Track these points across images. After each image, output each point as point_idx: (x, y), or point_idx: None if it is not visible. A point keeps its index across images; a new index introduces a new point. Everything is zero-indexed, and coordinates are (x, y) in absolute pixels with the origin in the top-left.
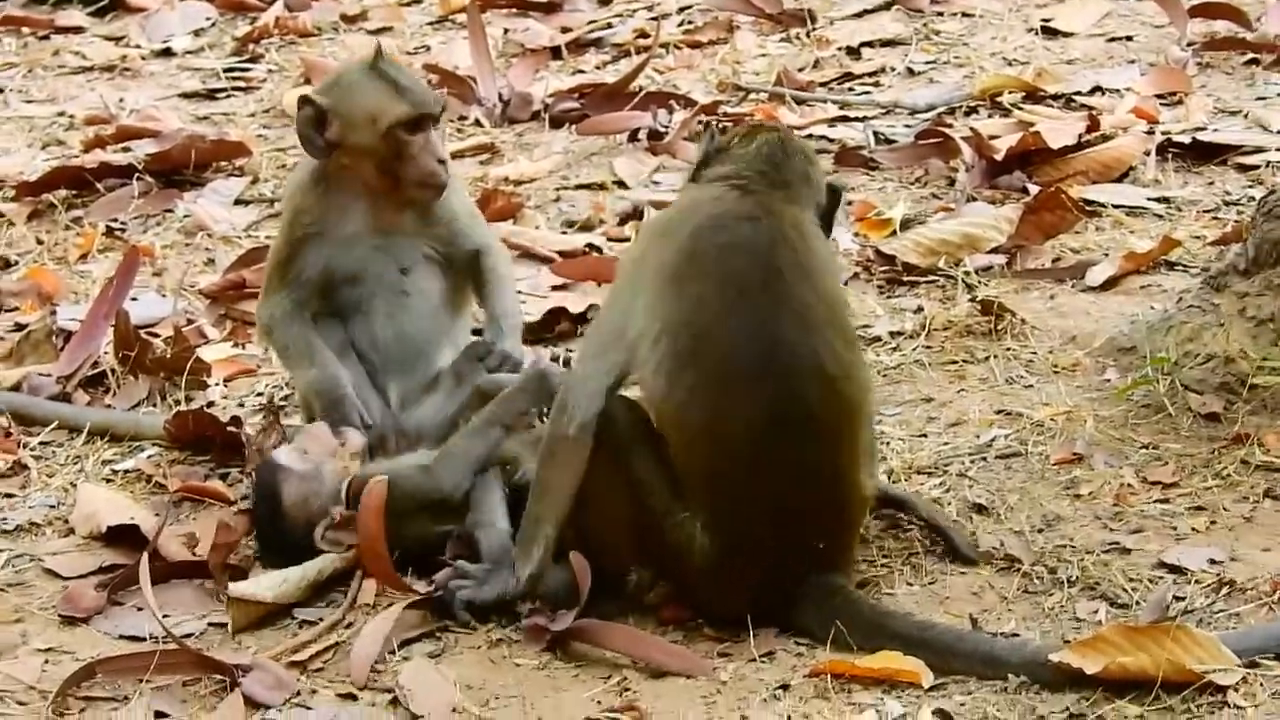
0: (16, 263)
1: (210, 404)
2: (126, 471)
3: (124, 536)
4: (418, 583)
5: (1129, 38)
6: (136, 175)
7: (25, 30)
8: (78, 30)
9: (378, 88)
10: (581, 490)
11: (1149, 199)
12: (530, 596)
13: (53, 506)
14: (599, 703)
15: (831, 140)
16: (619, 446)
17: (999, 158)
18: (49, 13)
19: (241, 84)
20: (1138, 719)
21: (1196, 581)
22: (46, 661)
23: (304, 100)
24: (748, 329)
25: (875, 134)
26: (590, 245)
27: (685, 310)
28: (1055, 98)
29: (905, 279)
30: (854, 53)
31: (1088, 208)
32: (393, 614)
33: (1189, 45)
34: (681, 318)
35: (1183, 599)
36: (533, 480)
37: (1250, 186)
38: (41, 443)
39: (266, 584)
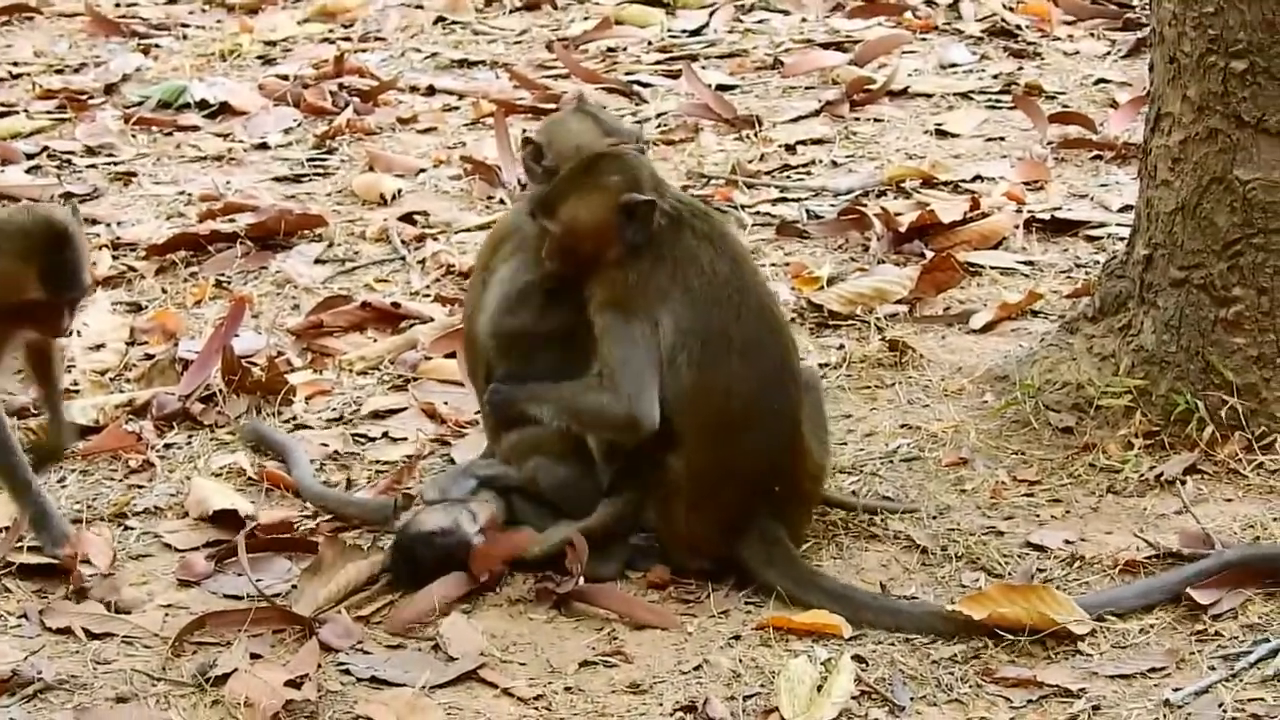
0: (146, 307)
1: (294, 418)
2: (230, 469)
3: (226, 518)
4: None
5: (1002, 138)
6: (239, 240)
7: (154, 128)
8: (194, 129)
9: (587, 124)
10: None
11: (1018, 262)
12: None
13: (173, 495)
14: (593, 649)
15: (774, 216)
16: None
17: (903, 230)
18: (172, 115)
19: (321, 171)
20: (1009, 662)
21: (1055, 557)
22: (167, 615)
23: (526, 140)
24: (756, 325)
25: (807, 211)
26: None
27: (709, 325)
28: (946, 184)
29: (830, 323)
30: (791, 149)
31: (971, 269)
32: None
33: (1048, 144)
34: (705, 332)
35: (1044, 570)
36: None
37: (1096, 253)
38: (165, 445)
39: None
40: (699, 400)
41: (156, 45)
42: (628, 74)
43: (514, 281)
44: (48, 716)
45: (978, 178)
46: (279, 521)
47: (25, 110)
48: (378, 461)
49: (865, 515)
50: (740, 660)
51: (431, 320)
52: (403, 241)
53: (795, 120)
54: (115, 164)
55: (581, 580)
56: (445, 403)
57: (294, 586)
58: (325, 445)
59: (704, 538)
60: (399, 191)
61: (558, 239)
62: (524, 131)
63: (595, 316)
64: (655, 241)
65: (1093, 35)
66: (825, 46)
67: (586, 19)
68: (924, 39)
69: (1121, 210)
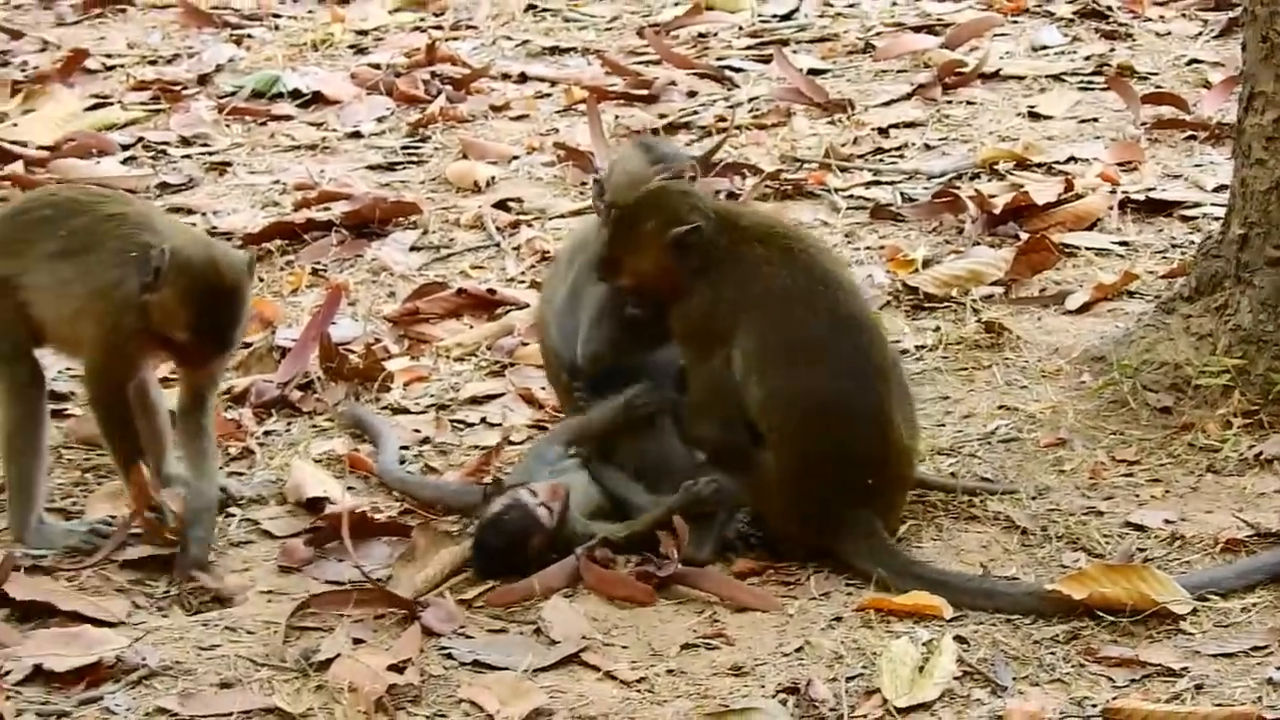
0: None
1: (392, 404)
2: (329, 455)
3: (322, 504)
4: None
5: (1095, 119)
6: (334, 228)
7: (248, 118)
8: (288, 118)
9: (638, 154)
10: None
11: (1113, 243)
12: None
13: (273, 481)
14: (695, 631)
15: (867, 200)
16: None
17: (997, 212)
18: (266, 105)
19: (414, 159)
20: (1111, 642)
21: (1155, 536)
22: (269, 600)
23: (595, 180)
24: (826, 329)
25: (901, 194)
26: None
27: (776, 343)
28: (1039, 166)
29: (926, 305)
30: (884, 132)
31: (1066, 250)
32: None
33: (1142, 125)
34: (774, 350)
35: (1144, 550)
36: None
37: (1191, 233)
38: (265, 432)
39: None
40: (775, 408)
41: (249, 36)
42: (719, 59)
43: (599, 306)
44: (152, 702)
45: (1071, 159)
46: (375, 507)
47: (120, 102)
48: (475, 447)
49: (964, 496)
50: (842, 642)
51: (527, 306)
52: (497, 228)
53: (887, 103)
54: (210, 154)
55: (679, 564)
56: (542, 388)
57: (390, 576)
58: (418, 431)
59: (799, 530)
60: (492, 178)
61: (632, 291)
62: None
63: (679, 348)
64: (715, 274)
65: (1184, 15)
66: (916, 30)
67: (677, 4)
68: (1015, 21)
69: (1216, 190)
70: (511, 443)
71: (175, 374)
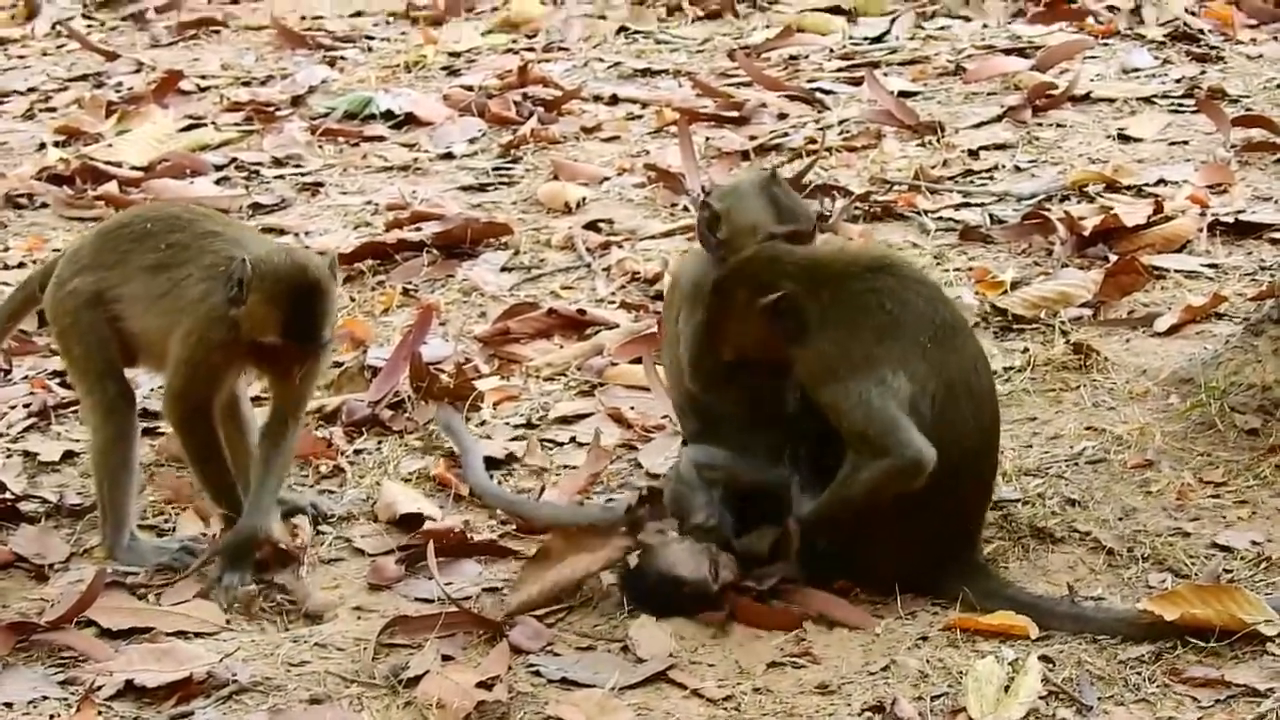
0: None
1: (483, 423)
2: (419, 474)
3: (413, 522)
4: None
5: (1185, 142)
6: (426, 249)
7: (341, 139)
8: (380, 139)
9: (763, 204)
10: None
11: (1202, 265)
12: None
13: (364, 500)
14: (781, 650)
15: (957, 221)
16: None
17: (1086, 234)
18: (358, 126)
19: (505, 179)
20: (1197, 662)
21: (1241, 558)
22: (359, 618)
23: (704, 204)
24: (985, 375)
25: (990, 216)
26: None
27: (946, 373)
28: (1129, 188)
29: (1015, 326)
30: (974, 154)
31: (1155, 272)
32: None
33: (1232, 147)
34: (944, 380)
35: (1230, 571)
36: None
37: None
38: (355, 450)
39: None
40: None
41: (342, 57)
42: (810, 81)
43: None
44: (242, 718)
45: (1161, 181)
46: (469, 525)
47: (213, 122)
48: (565, 466)
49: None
50: (928, 661)
51: (617, 326)
52: (588, 249)
53: (978, 126)
54: (302, 174)
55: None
56: (631, 408)
57: (484, 589)
58: (511, 455)
59: (894, 572)
60: (583, 199)
61: (746, 361)
62: (703, 191)
63: (816, 397)
64: (831, 322)
65: (1276, 38)
66: (1007, 52)
67: (768, 27)
68: (1106, 44)
69: None
70: (611, 460)
71: (265, 393)
